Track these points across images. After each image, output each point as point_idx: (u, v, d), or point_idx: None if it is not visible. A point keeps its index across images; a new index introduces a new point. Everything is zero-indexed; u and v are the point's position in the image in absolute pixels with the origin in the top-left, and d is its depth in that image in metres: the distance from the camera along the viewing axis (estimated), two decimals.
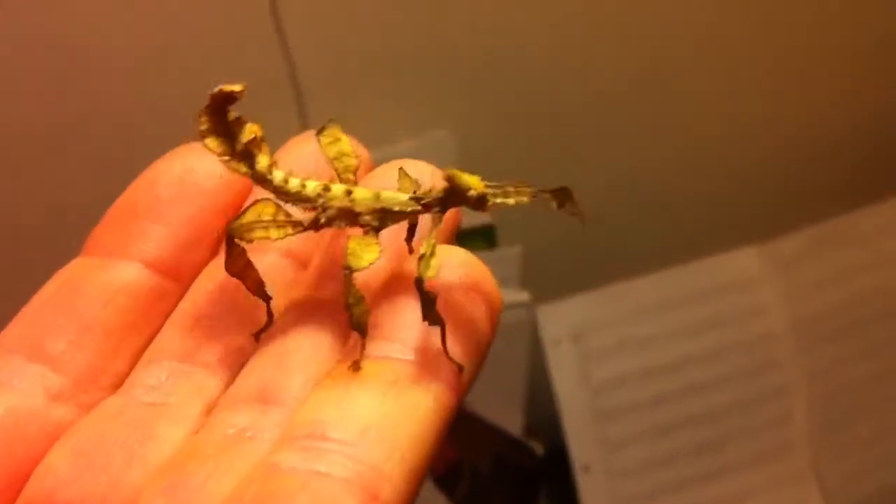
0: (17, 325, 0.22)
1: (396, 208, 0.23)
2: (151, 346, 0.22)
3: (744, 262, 0.73)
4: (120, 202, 0.24)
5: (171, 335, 0.22)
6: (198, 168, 0.24)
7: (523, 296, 0.68)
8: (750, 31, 0.70)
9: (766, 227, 0.73)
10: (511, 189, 0.22)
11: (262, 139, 0.22)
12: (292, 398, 0.21)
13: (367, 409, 0.19)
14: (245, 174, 0.22)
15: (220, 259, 0.23)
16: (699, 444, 0.72)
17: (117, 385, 0.22)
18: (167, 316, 0.23)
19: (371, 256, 0.21)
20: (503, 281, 0.68)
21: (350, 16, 0.61)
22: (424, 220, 0.23)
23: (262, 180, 0.22)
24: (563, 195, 0.22)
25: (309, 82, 0.61)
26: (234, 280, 0.23)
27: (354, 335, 0.21)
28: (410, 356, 0.21)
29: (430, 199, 0.23)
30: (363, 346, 0.21)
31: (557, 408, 0.70)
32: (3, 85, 0.56)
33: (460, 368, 0.21)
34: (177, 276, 0.23)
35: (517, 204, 0.23)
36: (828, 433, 0.73)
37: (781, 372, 0.73)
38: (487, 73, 0.66)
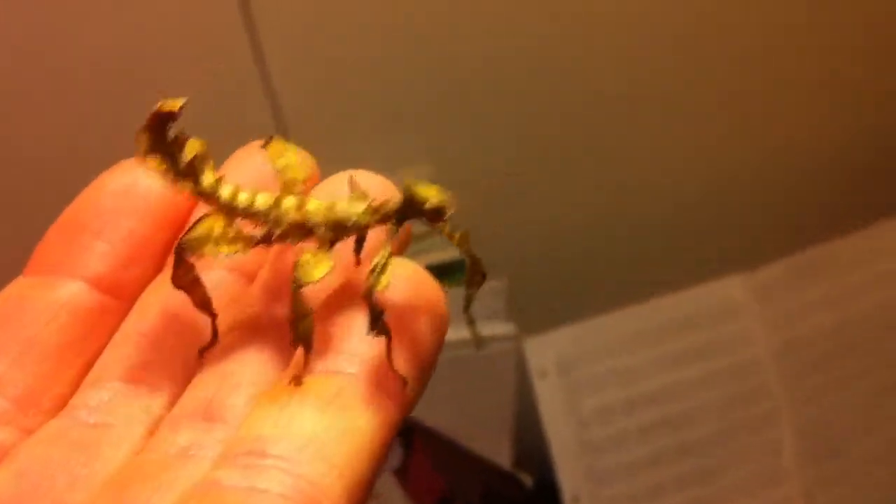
0: None
1: (351, 221, 0.22)
2: (95, 366, 0.22)
3: (728, 290, 0.73)
4: (63, 217, 0.23)
5: (115, 354, 0.22)
6: (142, 182, 0.23)
7: (509, 328, 0.68)
8: (734, 62, 0.71)
9: (749, 256, 0.74)
10: (456, 237, 0.22)
11: (206, 155, 0.22)
12: (236, 415, 0.20)
13: (307, 425, 0.19)
14: (190, 192, 0.22)
15: (164, 275, 0.23)
16: (689, 474, 0.72)
17: (59, 407, 0.22)
18: (111, 334, 0.23)
19: (321, 271, 0.21)
20: (489, 314, 0.69)
21: (332, 55, 0.62)
22: (377, 231, 0.23)
23: (209, 198, 0.22)
24: (477, 279, 0.23)
25: (292, 120, 0.62)
26: (179, 297, 0.22)
27: (299, 350, 0.21)
28: (354, 370, 0.20)
29: (386, 211, 0.22)
30: (306, 361, 0.21)
31: (546, 440, 0.69)
32: None
33: (405, 382, 0.21)
34: (119, 294, 0.23)
35: (458, 246, 0.23)
36: (818, 460, 0.73)
37: (769, 400, 0.73)
38: (469, 107, 0.67)
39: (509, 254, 0.65)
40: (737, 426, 0.72)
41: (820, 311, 0.74)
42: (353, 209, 0.22)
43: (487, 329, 0.68)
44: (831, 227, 0.74)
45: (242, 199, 0.22)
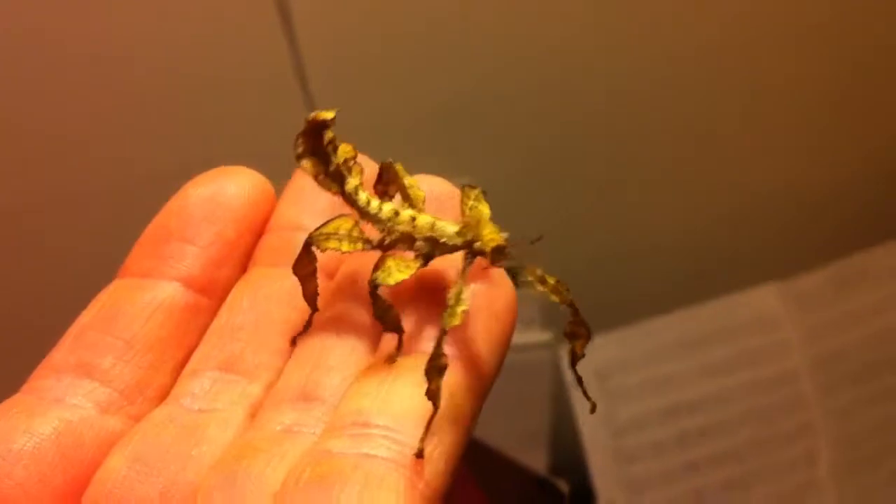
0: (63, 347, 0.24)
1: (443, 240, 0.24)
2: (192, 359, 0.24)
3: (765, 299, 0.73)
4: (153, 225, 0.25)
5: (210, 347, 0.24)
6: (226, 190, 0.25)
7: (545, 336, 0.69)
8: (766, 71, 0.71)
9: (786, 265, 0.73)
10: (538, 275, 0.23)
11: (353, 159, 0.24)
12: (332, 395, 0.22)
13: (404, 398, 0.21)
14: (335, 193, 0.24)
15: (249, 274, 0.25)
16: (724, 483, 0.72)
17: (162, 396, 0.23)
18: (204, 330, 0.25)
19: (398, 277, 0.23)
20: (525, 321, 0.69)
21: (373, 70, 0.63)
22: (460, 261, 0.24)
23: (350, 199, 0.24)
24: (581, 331, 0.24)
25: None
26: (264, 293, 0.24)
27: (388, 334, 0.23)
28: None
29: (468, 239, 0.24)
30: (399, 342, 0.22)
31: (582, 447, 0.70)
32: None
33: (486, 358, 0.22)
34: (210, 293, 0.25)
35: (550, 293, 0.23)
36: (853, 473, 0.73)
37: (805, 411, 0.73)
38: (511, 120, 0.67)
39: (544, 262, 0.66)
40: (772, 436, 0.72)
41: (858, 321, 0.74)
42: (446, 230, 0.24)
43: (523, 337, 0.68)
44: (870, 235, 0.74)
45: (374, 206, 0.24)
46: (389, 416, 0.21)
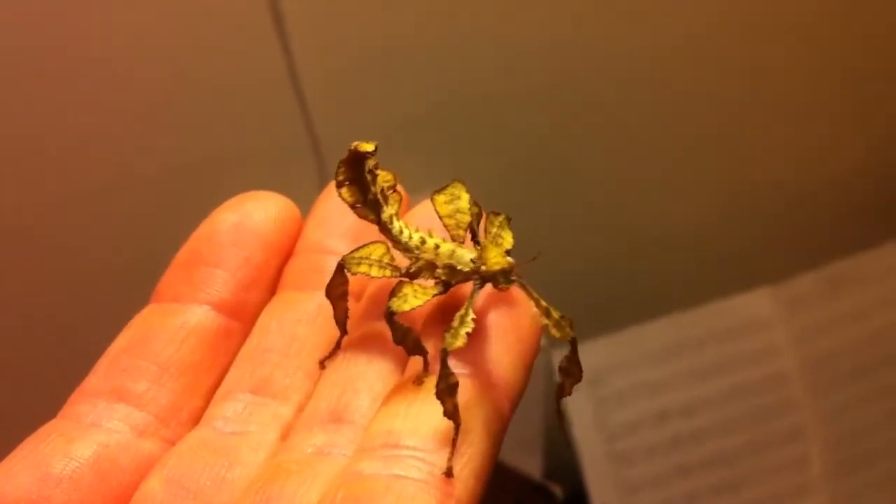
0: (98, 372, 0.24)
1: (459, 267, 0.24)
2: (225, 382, 0.24)
3: (757, 303, 0.73)
4: (184, 251, 0.26)
5: (242, 370, 0.24)
6: (252, 215, 0.26)
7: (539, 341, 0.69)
8: (760, 71, 0.72)
9: (777, 268, 0.74)
10: (543, 306, 0.23)
11: (392, 188, 0.24)
12: (361, 416, 0.23)
13: (433, 419, 0.21)
14: (372, 221, 0.24)
15: (278, 298, 0.26)
16: (717, 486, 0.72)
17: (195, 420, 0.24)
18: (235, 354, 0.25)
19: (413, 304, 0.23)
20: None
21: (369, 77, 0.63)
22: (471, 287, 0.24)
23: (385, 228, 0.24)
24: (574, 370, 0.24)
25: (329, 143, 0.63)
26: (292, 316, 0.25)
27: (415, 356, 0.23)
28: (466, 370, 0.23)
29: (479, 264, 0.24)
30: (425, 364, 0.23)
31: (576, 451, 0.70)
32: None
33: (511, 378, 0.23)
34: (240, 316, 0.25)
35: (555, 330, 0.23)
36: (845, 475, 0.73)
37: (797, 413, 0.73)
38: (505, 122, 0.68)
39: (536, 266, 0.66)
40: (765, 439, 0.73)
41: (848, 324, 0.74)
42: (463, 258, 0.24)
43: None
44: (860, 238, 0.75)
45: (405, 235, 0.24)
46: (419, 437, 0.21)
